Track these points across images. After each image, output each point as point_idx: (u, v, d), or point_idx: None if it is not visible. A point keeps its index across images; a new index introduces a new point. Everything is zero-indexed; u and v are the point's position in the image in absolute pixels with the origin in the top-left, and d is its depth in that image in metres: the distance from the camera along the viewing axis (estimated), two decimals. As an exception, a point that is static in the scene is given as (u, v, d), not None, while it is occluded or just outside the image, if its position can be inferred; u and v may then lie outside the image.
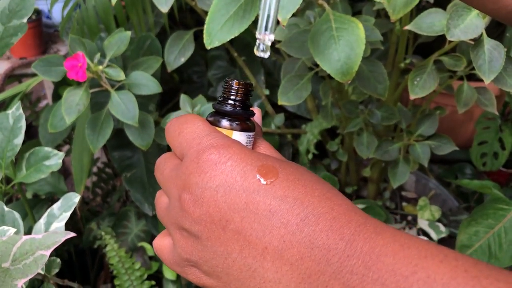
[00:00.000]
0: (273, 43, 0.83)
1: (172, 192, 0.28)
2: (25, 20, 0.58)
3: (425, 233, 1.00)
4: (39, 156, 0.63)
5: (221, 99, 0.31)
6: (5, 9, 0.58)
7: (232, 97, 0.30)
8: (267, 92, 1.04)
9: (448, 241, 0.98)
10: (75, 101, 0.67)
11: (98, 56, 0.70)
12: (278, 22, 0.53)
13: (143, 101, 0.81)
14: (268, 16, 0.29)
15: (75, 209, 0.92)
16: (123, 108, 0.68)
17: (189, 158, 0.27)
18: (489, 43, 0.58)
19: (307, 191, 0.25)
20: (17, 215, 0.54)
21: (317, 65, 0.74)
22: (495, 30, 1.06)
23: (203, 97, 0.73)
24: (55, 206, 0.56)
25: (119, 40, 0.70)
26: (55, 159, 0.63)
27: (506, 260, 0.72)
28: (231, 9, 0.52)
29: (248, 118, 0.31)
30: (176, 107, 0.92)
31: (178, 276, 0.86)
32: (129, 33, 0.71)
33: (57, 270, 0.55)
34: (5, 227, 0.47)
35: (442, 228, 0.98)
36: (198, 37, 0.86)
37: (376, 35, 0.69)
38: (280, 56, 1.01)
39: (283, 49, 0.71)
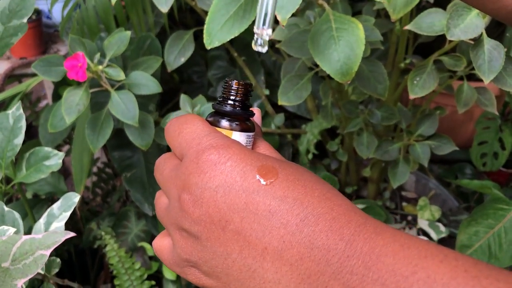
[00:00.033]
0: (273, 43, 0.83)
1: (172, 193, 0.28)
2: (25, 20, 0.58)
3: (425, 233, 1.00)
4: (39, 156, 0.63)
5: (221, 99, 0.31)
6: (5, 9, 0.58)
7: (232, 97, 0.30)
8: (267, 92, 1.04)
9: (448, 241, 0.98)
10: (75, 101, 0.67)
11: (98, 56, 0.70)
12: (277, 22, 0.53)
13: (143, 101, 0.81)
14: (266, 11, 0.29)
15: (75, 209, 0.92)
16: (123, 108, 0.68)
17: (189, 158, 0.27)
18: (489, 43, 0.58)
19: (307, 192, 0.25)
20: (17, 215, 0.54)
21: (317, 65, 0.74)
22: (495, 30, 1.06)
23: (203, 97, 0.73)
24: (55, 206, 0.56)
25: (119, 40, 0.70)
26: (55, 159, 0.63)
27: (506, 260, 0.72)
28: (231, 9, 0.52)
29: (248, 118, 0.31)
30: (176, 107, 0.92)
31: (178, 276, 0.86)
32: (129, 33, 0.71)
33: (57, 270, 0.55)
34: (5, 227, 0.47)
35: (442, 228, 0.98)
36: (198, 37, 0.86)
37: (376, 35, 0.69)
38: (280, 56, 1.01)
39: (283, 49, 0.71)
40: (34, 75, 0.93)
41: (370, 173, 1.02)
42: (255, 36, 0.30)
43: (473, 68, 0.64)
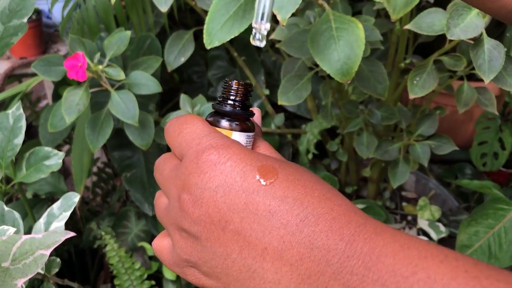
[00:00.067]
0: (273, 43, 0.83)
1: (172, 193, 0.28)
2: (25, 20, 0.58)
3: (425, 233, 1.00)
4: (39, 156, 0.63)
5: (221, 99, 0.31)
6: (5, 9, 0.58)
7: (232, 97, 0.30)
8: (267, 92, 1.04)
9: (448, 241, 0.98)
10: (75, 101, 0.67)
11: (98, 56, 0.70)
12: (277, 22, 0.53)
13: (143, 100, 0.81)
14: (264, 5, 0.29)
15: (75, 209, 0.92)
16: (123, 107, 0.68)
17: (189, 159, 0.27)
18: (489, 43, 0.58)
19: (307, 192, 0.25)
20: (17, 214, 0.54)
21: (317, 65, 0.74)
22: (495, 29, 1.06)
23: (203, 97, 0.73)
24: (55, 206, 0.56)
25: (119, 40, 0.70)
26: (55, 159, 0.63)
27: (506, 260, 0.72)
28: (231, 9, 0.52)
29: (248, 119, 0.31)
30: (176, 107, 0.92)
31: (178, 276, 0.86)
32: (129, 32, 0.71)
33: (57, 270, 0.55)
34: (5, 227, 0.47)
35: (442, 228, 0.98)
36: (198, 37, 0.86)
37: (376, 35, 0.69)
38: (280, 56, 1.01)
39: (283, 49, 0.71)
40: (34, 75, 0.93)
41: (370, 173, 1.02)
42: (253, 30, 0.30)
43: (473, 68, 0.64)
